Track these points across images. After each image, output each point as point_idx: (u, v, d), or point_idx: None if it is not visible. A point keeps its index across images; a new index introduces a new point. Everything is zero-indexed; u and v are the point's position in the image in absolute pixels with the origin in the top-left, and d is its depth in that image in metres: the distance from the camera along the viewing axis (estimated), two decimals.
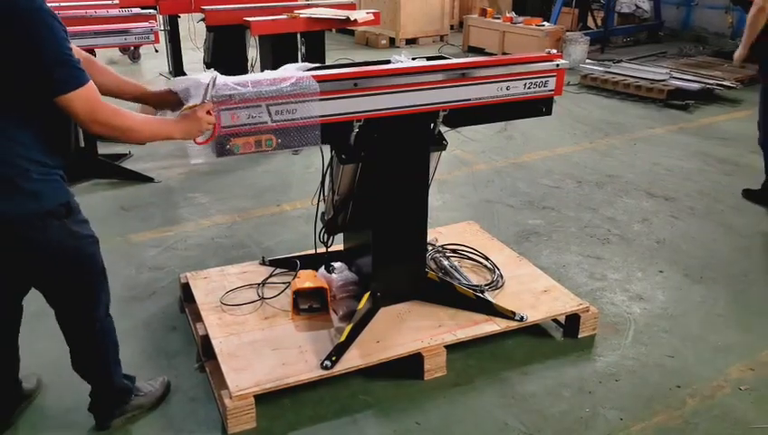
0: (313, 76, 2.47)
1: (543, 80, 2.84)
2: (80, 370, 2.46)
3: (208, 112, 2.23)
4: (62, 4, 5.41)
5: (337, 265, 3.15)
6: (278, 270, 3.27)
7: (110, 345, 2.45)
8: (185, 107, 2.25)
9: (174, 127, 2.20)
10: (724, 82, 7.15)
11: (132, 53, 8.78)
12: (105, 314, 2.40)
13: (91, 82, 1.97)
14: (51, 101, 1.94)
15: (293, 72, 2.40)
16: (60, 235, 2.10)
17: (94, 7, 5.56)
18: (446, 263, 3.34)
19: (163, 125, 2.21)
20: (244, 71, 6.37)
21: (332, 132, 2.57)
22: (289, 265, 3.28)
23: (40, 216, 2.05)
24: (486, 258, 3.40)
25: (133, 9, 5.69)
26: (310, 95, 2.35)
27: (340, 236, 3.16)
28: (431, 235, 3.45)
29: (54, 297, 2.28)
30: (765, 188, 4.52)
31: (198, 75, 2.33)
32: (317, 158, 2.97)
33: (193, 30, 7.56)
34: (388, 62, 2.83)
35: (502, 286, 3.20)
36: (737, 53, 4.57)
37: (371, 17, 5.76)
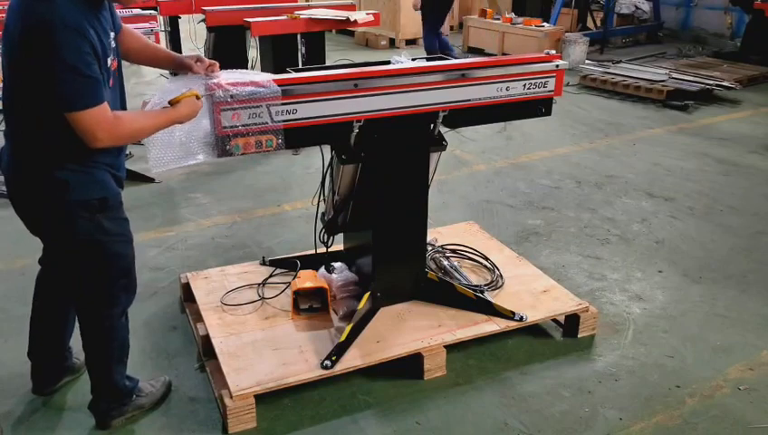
0: (314, 77, 2.48)
1: (543, 80, 2.85)
2: (87, 365, 2.50)
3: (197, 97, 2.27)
4: None
5: (337, 265, 3.16)
6: (278, 270, 3.28)
7: (116, 345, 2.46)
8: (182, 94, 2.26)
9: (176, 113, 2.22)
10: (724, 83, 7.16)
11: None
12: (120, 314, 2.43)
13: (100, 105, 1.97)
14: None
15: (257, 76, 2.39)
16: (87, 227, 2.16)
17: None
18: (446, 263, 3.35)
19: (163, 114, 2.22)
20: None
21: (333, 132, 2.58)
22: (289, 265, 3.29)
23: (68, 205, 2.10)
24: (486, 258, 3.41)
25: (134, 10, 5.70)
26: (270, 99, 2.34)
27: (340, 237, 3.17)
28: (431, 235, 3.46)
29: (73, 286, 2.33)
30: None
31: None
32: (317, 158, 2.98)
33: (193, 31, 7.57)
34: (388, 62, 2.84)
35: (502, 286, 3.21)
36: None
37: (371, 18, 5.77)
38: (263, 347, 2.74)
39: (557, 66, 2.86)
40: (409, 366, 2.77)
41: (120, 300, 2.39)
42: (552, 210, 4.45)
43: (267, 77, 2.36)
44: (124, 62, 2.34)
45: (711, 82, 7.20)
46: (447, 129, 2.85)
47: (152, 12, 5.72)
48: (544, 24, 9.05)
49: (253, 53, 6.34)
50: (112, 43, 2.13)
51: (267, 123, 2.38)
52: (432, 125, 2.79)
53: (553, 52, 2.90)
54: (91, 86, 1.96)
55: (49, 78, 1.91)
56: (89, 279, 2.29)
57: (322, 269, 3.12)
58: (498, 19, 9.49)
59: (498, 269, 3.32)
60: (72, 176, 2.09)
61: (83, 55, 1.92)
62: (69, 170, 2.09)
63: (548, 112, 2.96)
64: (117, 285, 2.35)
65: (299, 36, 5.69)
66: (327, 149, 2.84)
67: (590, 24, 10.11)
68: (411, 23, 10.22)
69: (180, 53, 7.71)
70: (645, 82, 7.20)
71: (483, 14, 9.78)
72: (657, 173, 5.12)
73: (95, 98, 1.96)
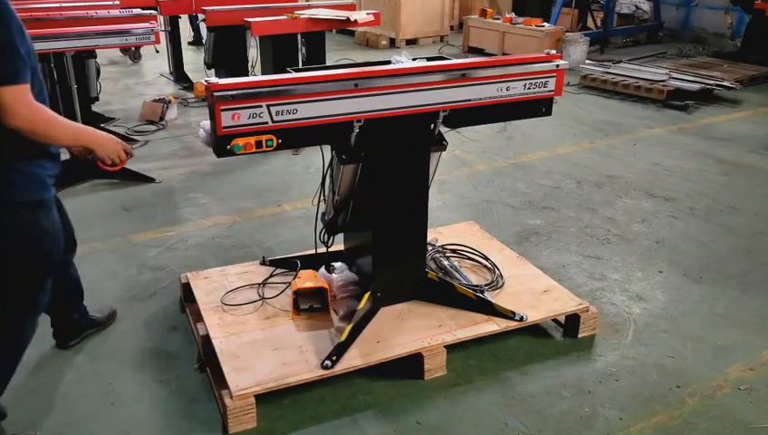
0: (314, 77, 2.48)
1: (543, 80, 2.85)
2: None
3: (126, 152, 2.42)
4: (63, 4, 5.42)
5: (337, 265, 3.15)
6: (278, 270, 3.28)
7: (20, 354, 2.49)
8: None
9: (97, 139, 2.34)
10: (724, 83, 7.16)
11: (133, 54, 8.80)
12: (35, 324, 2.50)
13: (26, 85, 2.07)
14: None
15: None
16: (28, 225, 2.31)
17: (95, 8, 5.57)
18: (446, 263, 3.35)
19: (84, 130, 2.37)
20: (244, 71, 6.39)
21: (333, 133, 2.58)
22: (289, 265, 3.29)
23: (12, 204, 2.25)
24: (486, 258, 3.41)
25: (134, 10, 5.70)
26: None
27: (340, 237, 3.17)
28: (431, 235, 3.46)
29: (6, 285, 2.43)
30: None
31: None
32: (317, 158, 2.98)
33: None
34: (388, 62, 2.84)
35: (502, 286, 3.21)
36: None
37: (371, 18, 5.77)
38: (263, 347, 2.74)
39: (557, 66, 2.86)
40: (410, 366, 2.77)
41: (40, 308, 2.49)
42: (553, 210, 4.45)
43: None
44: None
45: (711, 81, 7.20)
46: (448, 129, 2.85)
47: (152, 12, 5.72)
48: (545, 23, 9.05)
49: (253, 53, 6.35)
50: None
51: (267, 123, 2.38)
52: (432, 125, 2.79)
53: (554, 52, 2.90)
54: (22, 64, 2.05)
55: None
56: (23, 275, 2.41)
57: (323, 269, 3.12)
58: (498, 19, 9.50)
59: (498, 269, 3.32)
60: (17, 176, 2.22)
61: (19, 33, 2.06)
62: (14, 171, 2.20)
63: (548, 112, 2.96)
64: (45, 285, 2.46)
65: (299, 36, 5.69)
66: (327, 149, 2.84)
67: (590, 23, 10.11)
68: (411, 22, 10.23)
69: (180, 52, 7.75)
70: (645, 82, 7.20)
71: (483, 13, 9.78)
72: (657, 173, 5.12)
73: (24, 77, 2.06)
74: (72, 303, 2.95)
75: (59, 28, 4.58)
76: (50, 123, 2.18)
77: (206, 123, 2.47)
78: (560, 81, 2.89)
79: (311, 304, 2.97)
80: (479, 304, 3.00)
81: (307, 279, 2.98)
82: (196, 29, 9.71)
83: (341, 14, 5.67)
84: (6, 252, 2.34)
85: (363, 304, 2.89)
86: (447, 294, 3.04)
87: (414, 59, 2.81)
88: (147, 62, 8.82)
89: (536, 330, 3.09)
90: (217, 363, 2.66)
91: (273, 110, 2.38)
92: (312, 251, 3.26)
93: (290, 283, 3.09)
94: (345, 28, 6.85)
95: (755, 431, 2.54)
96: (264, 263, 3.36)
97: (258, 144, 2.41)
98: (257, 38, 5.76)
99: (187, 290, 3.22)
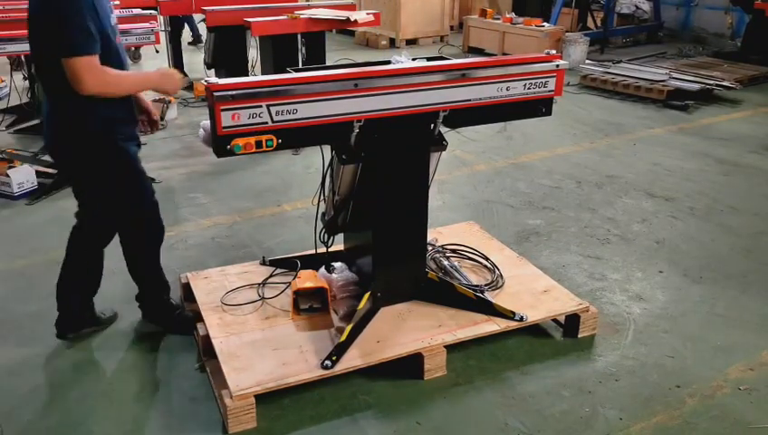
0: (314, 77, 2.48)
1: (543, 80, 2.85)
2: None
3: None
4: None
5: (337, 265, 3.15)
6: (278, 270, 3.28)
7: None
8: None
9: (158, 81, 2.75)
10: (724, 83, 7.15)
11: (133, 54, 8.80)
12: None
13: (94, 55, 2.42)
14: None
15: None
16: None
17: None
18: (446, 263, 3.35)
19: (148, 77, 2.84)
20: (244, 71, 6.39)
21: (333, 132, 2.58)
22: (289, 265, 3.28)
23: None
24: (486, 258, 3.41)
25: (134, 10, 5.70)
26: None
27: (340, 237, 3.17)
28: (431, 235, 3.46)
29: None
30: None
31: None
32: (317, 158, 2.98)
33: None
34: (388, 62, 2.84)
35: (502, 286, 3.21)
36: None
37: (371, 18, 5.77)
38: (263, 347, 2.74)
39: (557, 66, 2.86)
40: (410, 366, 2.77)
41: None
42: (553, 210, 4.45)
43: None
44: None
45: (711, 81, 7.20)
46: (448, 129, 2.85)
47: (152, 12, 5.72)
48: (545, 23, 9.05)
49: (253, 53, 6.35)
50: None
51: (267, 123, 2.38)
52: (432, 125, 2.79)
53: (554, 52, 2.90)
54: (88, 38, 2.39)
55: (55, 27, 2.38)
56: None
57: (323, 269, 3.12)
58: (498, 19, 9.49)
59: (498, 269, 3.32)
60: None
61: (91, 10, 2.41)
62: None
63: (548, 112, 2.96)
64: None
65: (299, 36, 5.69)
66: (327, 149, 2.84)
67: (590, 23, 10.11)
68: (411, 22, 10.23)
69: (181, 53, 7.75)
70: (645, 82, 7.20)
71: (483, 13, 9.78)
72: (657, 173, 5.12)
73: (89, 48, 2.40)
74: (87, 291, 3.02)
75: None
76: (113, 84, 2.52)
77: (206, 123, 2.47)
78: (560, 81, 2.89)
79: (311, 304, 2.97)
80: (479, 304, 3.00)
81: (307, 279, 2.98)
82: (194, 29, 9.71)
83: (341, 14, 5.67)
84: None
85: (363, 304, 2.89)
86: (447, 294, 3.04)
87: (414, 59, 2.81)
88: (147, 62, 8.82)
89: (536, 330, 3.09)
90: (217, 363, 2.66)
91: (273, 110, 2.38)
92: (312, 251, 3.26)
93: (290, 283, 3.09)
94: (345, 28, 6.85)
95: (755, 431, 2.54)
96: (264, 263, 3.36)
97: (258, 144, 2.41)
98: (257, 38, 5.76)
99: (187, 290, 3.22)
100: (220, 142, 2.36)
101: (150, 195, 2.87)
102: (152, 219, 2.91)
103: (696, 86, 7.04)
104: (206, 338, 2.82)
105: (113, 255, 3.02)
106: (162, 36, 6.73)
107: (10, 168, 4.57)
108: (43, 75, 2.64)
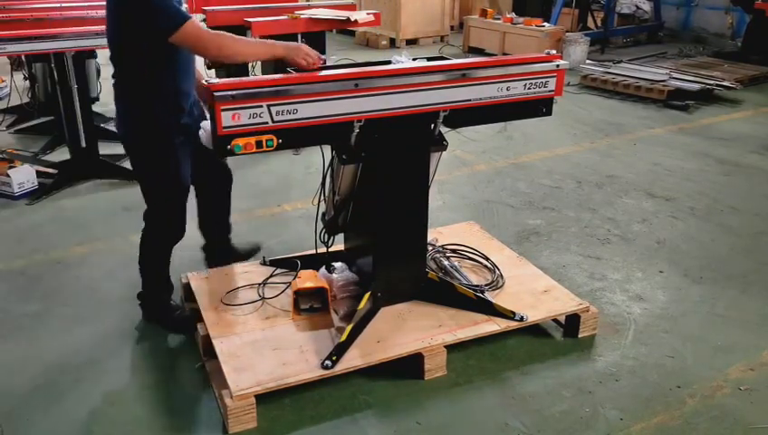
0: (314, 77, 2.48)
1: (543, 80, 2.85)
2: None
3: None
4: (63, 4, 5.41)
5: (337, 265, 3.15)
6: (279, 270, 3.28)
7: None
8: None
9: (277, 46, 2.68)
10: (724, 83, 7.15)
11: None
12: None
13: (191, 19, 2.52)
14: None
15: None
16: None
17: (95, 8, 5.55)
18: (446, 263, 3.35)
19: (265, 44, 2.77)
20: (244, 72, 6.39)
21: (333, 133, 2.58)
22: (290, 265, 3.28)
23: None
24: (486, 258, 3.41)
25: None
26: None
27: (340, 237, 3.17)
28: (431, 235, 3.45)
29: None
30: None
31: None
32: (317, 158, 2.97)
33: None
34: (388, 62, 2.84)
35: (502, 286, 3.20)
36: None
37: (372, 18, 5.76)
38: (263, 347, 2.74)
39: (557, 66, 2.86)
40: (410, 366, 2.77)
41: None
42: (553, 210, 4.45)
43: None
44: None
45: (711, 81, 7.19)
46: (448, 129, 2.85)
47: None
48: (545, 23, 9.04)
49: None
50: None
51: (267, 123, 2.38)
52: (432, 125, 2.79)
53: (554, 51, 2.90)
54: (178, 4, 2.52)
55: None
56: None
57: (323, 269, 3.12)
58: (499, 19, 9.49)
59: (498, 269, 3.32)
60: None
61: None
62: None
63: (548, 112, 2.96)
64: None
65: (299, 36, 5.68)
66: (327, 149, 2.84)
67: (590, 23, 10.10)
68: (411, 22, 10.23)
69: None
70: (645, 82, 7.19)
71: (483, 13, 9.78)
72: (657, 173, 5.12)
73: (186, 12, 2.52)
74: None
75: (59, 28, 4.58)
76: (227, 46, 2.58)
77: (207, 123, 2.47)
78: (560, 81, 2.88)
79: (311, 304, 2.97)
80: (479, 304, 3.00)
81: (307, 279, 2.98)
82: None
83: (341, 14, 5.67)
84: None
85: (363, 304, 2.89)
86: (448, 294, 3.04)
87: (414, 59, 2.81)
88: None
89: (536, 330, 3.09)
90: (218, 363, 2.66)
91: (274, 110, 2.38)
92: (313, 251, 3.26)
93: (290, 283, 3.09)
94: (345, 28, 6.84)
95: (755, 431, 2.54)
96: (264, 263, 3.36)
97: (258, 144, 2.41)
98: (257, 38, 5.75)
99: (187, 290, 3.22)
100: (220, 142, 2.36)
101: (186, 191, 2.98)
102: (179, 217, 3.01)
103: (697, 86, 7.04)
104: (207, 338, 2.82)
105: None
106: None
107: (10, 168, 4.58)
108: (122, 64, 2.71)
